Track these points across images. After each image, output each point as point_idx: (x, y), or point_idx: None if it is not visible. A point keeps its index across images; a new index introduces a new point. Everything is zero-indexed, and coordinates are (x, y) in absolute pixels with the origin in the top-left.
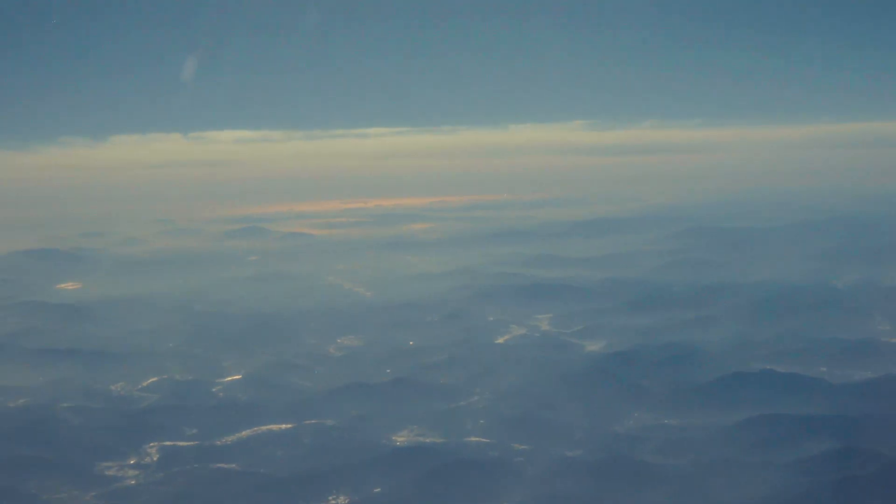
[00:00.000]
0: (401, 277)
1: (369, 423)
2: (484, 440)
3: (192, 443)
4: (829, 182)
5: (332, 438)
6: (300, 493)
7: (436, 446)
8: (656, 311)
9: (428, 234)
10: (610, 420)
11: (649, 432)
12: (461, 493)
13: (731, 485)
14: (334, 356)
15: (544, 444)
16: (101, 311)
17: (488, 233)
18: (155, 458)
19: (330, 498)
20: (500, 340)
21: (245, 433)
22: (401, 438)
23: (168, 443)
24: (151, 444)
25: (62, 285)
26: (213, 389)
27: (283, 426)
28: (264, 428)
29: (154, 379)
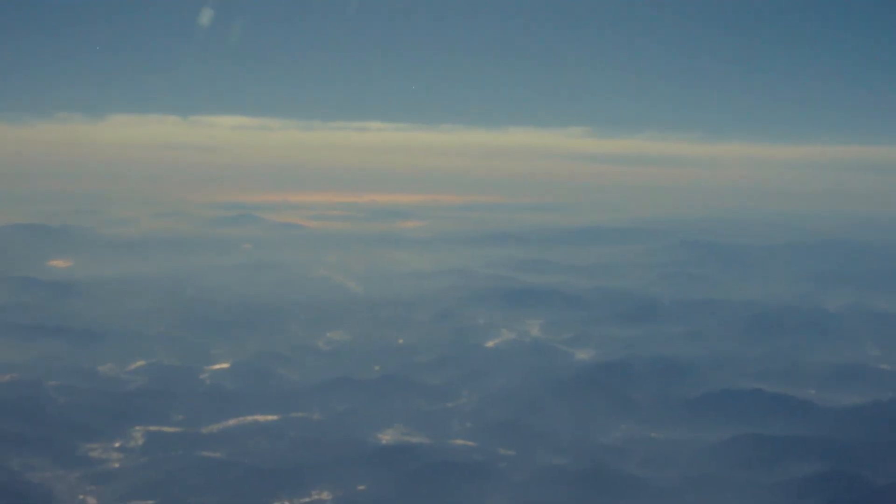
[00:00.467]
0: (392, 274)
1: (355, 420)
2: (469, 443)
3: (177, 429)
4: (825, 204)
5: (318, 432)
6: (284, 485)
7: (421, 446)
8: (646, 323)
9: (421, 232)
10: (597, 430)
11: (636, 444)
12: (445, 495)
13: (715, 502)
14: (323, 350)
15: (530, 450)
16: (91, 290)
17: (481, 234)
18: (140, 443)
19: (313, 492)
20: (491, 344)
21: (231, 422)
22: (386, 437)
23: (154, 427)
24: (137, 428)
25: (52, 262)
26: (201, 376)
27: (270, 417)
28: (250, 418)
29: (142, 362)
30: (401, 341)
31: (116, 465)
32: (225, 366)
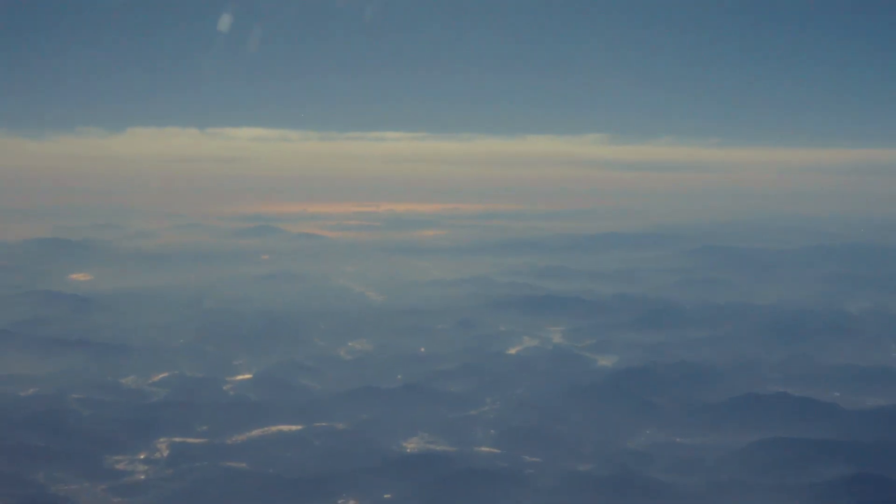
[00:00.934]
0: (412, 283)
1: (379, 428)
2: (494, 450)
3: (202, 440)
4: (844, 208)
5: (342, 442)
6: (310, 495)
7: (446, 454)
8: (668, 328)
9: (440, 241)
10: (621, 436)
11: (661, 450)
12: (472, 502)
13: None
14: (344, 359)
15: (555, 457)
16: (112, 304)
17: (501, 242)
18: (165, 454)
19: (339, 501)
20: (512, 351)
21: (255, 433)
22: (411, 445)
23: (178, 439)
24: (161, 440)
25: (73, 276)
26: (224, 387)
27: (293, 427)
28: (274, 428)
29: (164, 374)
30: (422, 350)
31: (142, 476)
32: (247, 376)
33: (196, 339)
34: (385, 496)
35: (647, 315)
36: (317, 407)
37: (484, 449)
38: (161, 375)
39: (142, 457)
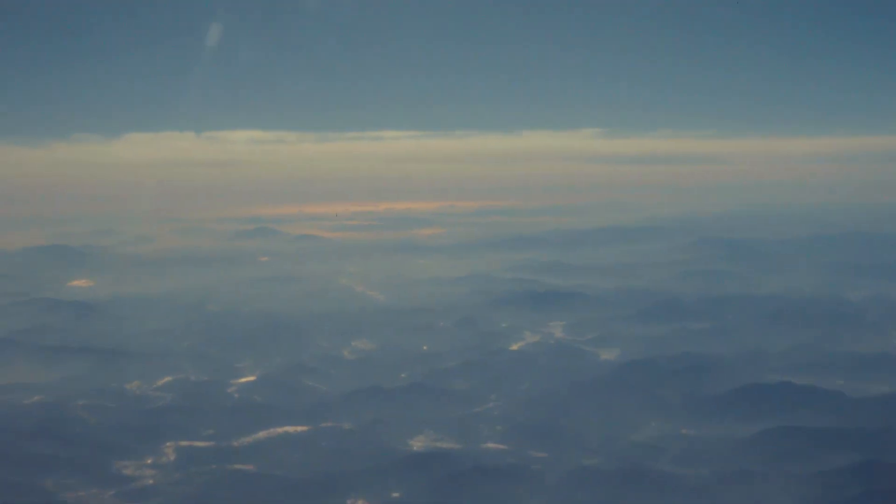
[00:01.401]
0: (412, 281)
1: (385, 428)
2: (501, 447)
3: (208, 443)
4: (842, 197)
5: (349, 442)
6: (318, 495)
7: (453, 452)
8: (669, 320)
9: (439, 239)
10: (627, 428)
11: (667, 442)
12: (480, 499)
13: (751, 496)
14: (348, 359)
15: (561, 451)
16: (114, 310)
17: (500, 239)
18: (172, 458)
19: (348, 501)
20: (515, 347)
21: (261, 435)
22: (417, 443)
23: (185, 443)
24: (168, 444)
25: (74, 282)
26: (228, 390)
27: (299, 428)
28: (280, 430)
29: (169, 378)
30: (425, 348)
31: (150, 481)
32: (252, 379)
33: (199, 343)
34: (394, 495)
35: (648, 308)
36: (322, 407)
37: (490, 445)
38: (165, 380)
39: (149, 462)
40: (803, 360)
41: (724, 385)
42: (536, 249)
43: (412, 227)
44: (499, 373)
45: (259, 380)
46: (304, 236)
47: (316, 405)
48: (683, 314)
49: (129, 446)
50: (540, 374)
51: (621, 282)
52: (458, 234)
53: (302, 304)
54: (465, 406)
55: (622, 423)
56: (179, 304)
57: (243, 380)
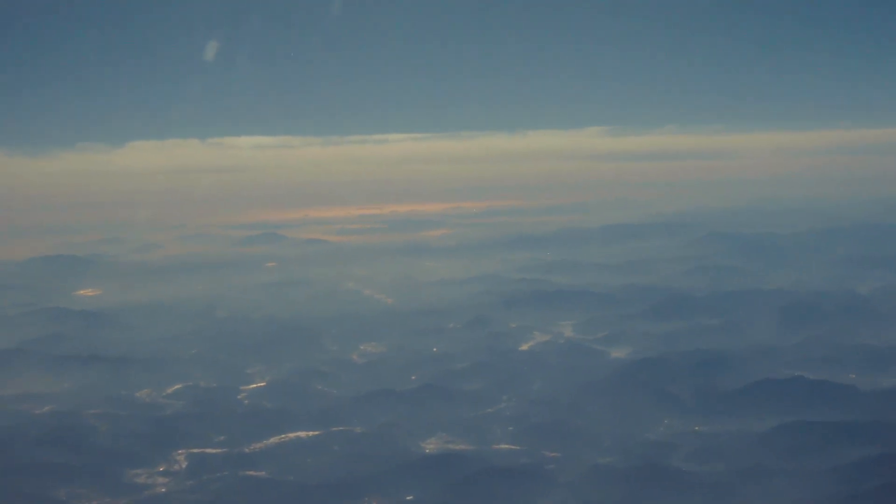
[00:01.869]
0: (420, 284)
1: (397, 431)
2: (514, 447)
3: (220, 450)
4: (851, 189)
5: (362, 445)
6: (332, 500)
7: (466, 453)
8: (680, 317)
9: (445, 241)
10: (640, 427)
11: (681, 439)
12: (494, 500)
13: (767, 492)
14: (358, 363)
15: (575, 451)
16: (122, 318)
17: (506, 239)
18: (184, 466)
19: None
20: (525, 347)
21: (273, 440)
22: (430, 446)
23: (196, 450)
24: (180, 452)
25: (81, 291)
26: (239, 396)
27: (311, 433)
28: (292, 435)
29: (179, 386)
30: (435, 350)
31: (163, 489)
32: (262, 384)
33: (208, 350)
34: (408, 498)
35: (658, 305)
36: (333, 412)
37: (503, 446)
38: (175, 387)
39: (161, 469)
40: (816, 355)
41: (737, 381)
42: (544, 248)
43: (419, 229)
44: (510, 373)
45: (269, 385)
46: (310, 240)
47: (327, 409)
48: (694, 310)
49: (140, 454)
50: (551, 374)
51: (630, 279)
52: (465, 235)
53: (310, 309)
54: (477, 407)
55: (635, 422)
56: (187, 310)
57: (253, 385)
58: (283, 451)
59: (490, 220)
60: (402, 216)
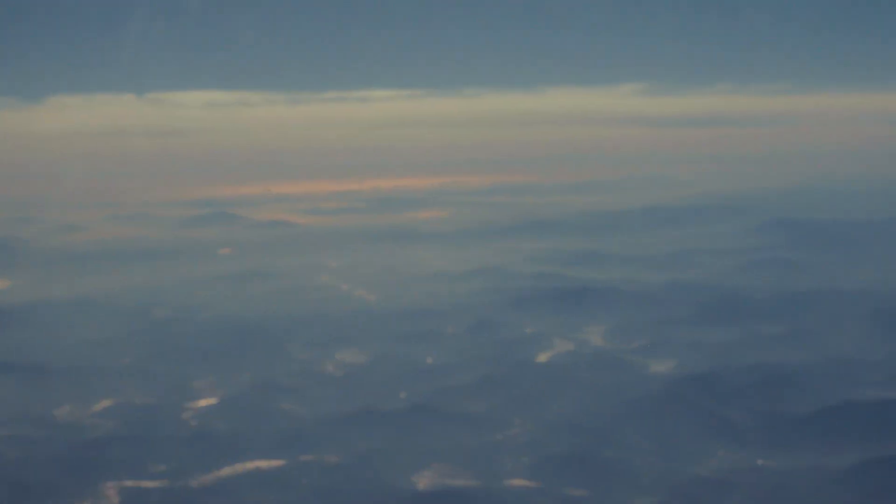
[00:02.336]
0: (410, 277)
1: (382, 461)
2: (529, 483)
3: (159, 482)
4: None
5: (335, 479)
6: None
7: (469, 491)
8: (736, 323)
9: (441, 224)
10: (687, 460)
11: (739, 476)
12: None
13: None
14: (333, 375)
15: (606, 489)
16: (37, 317)
17: (518, 223)
18: (115, 502)
19: None
20: (543, 358)
21: (225, 471)
22: (423, 481)
23: (130, 482)
24: (109, 484)
25: None
26: (183, 416)
27: (274, 463)
28: (250, 465)
29: (108, 402)
30: (429, 360)
31: None
32: (212, 401)
33: (145, 358)
34: None
35: (707, 307)
36: (301, 436)
37: (515, 482)
38: (103, 404)
39: None
40: None
41: (809, 404)
42: (564, 235)
43: (407, 209)
44: (523, 391)
45: (221, 402)
46: (273, 222)
47: (293, 434)
48: (752, 315)
49: (59, 487)
50: (576, 393)
51: (672, 275)
52: (465, 218)
53: (273, 308)
54: (483, 433)
55: (681, 453)
56: (119, 309)
57: (202, 403)
58: (237, 484)
59: (496, 199)
60: (385, 193)
